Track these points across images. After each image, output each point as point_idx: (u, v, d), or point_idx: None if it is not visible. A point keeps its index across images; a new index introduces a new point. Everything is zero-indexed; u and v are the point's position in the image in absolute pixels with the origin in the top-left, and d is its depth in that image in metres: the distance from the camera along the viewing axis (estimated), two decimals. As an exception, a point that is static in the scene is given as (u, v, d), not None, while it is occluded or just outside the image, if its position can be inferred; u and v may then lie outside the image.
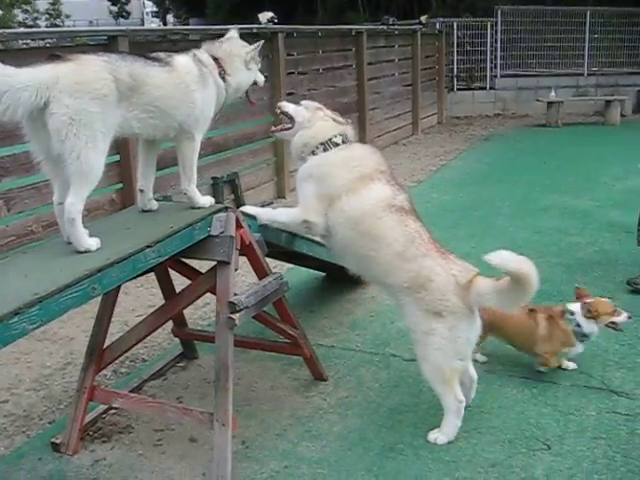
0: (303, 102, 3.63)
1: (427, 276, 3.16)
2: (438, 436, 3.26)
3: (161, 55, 3.18)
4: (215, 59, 3.31)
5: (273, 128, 3.70)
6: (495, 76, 16.23)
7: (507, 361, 3.99)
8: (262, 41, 3.58)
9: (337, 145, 3.42)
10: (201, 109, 3.23)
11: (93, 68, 2.83)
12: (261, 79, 3.57)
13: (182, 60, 3.19)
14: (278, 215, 3.52)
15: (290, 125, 3.54)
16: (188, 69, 3.18)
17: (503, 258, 3.01)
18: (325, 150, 3.41)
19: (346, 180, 3.29)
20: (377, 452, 3.22)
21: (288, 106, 3.60)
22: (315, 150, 3.42)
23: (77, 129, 2.72)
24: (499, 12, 15.98)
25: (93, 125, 2.77)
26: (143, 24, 44.00)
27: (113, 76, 2.86)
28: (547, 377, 3.80)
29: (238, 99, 3.59)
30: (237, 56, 3.40)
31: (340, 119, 3.53)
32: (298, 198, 3.47)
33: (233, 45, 3.44)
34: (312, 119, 3.50)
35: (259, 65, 3.54)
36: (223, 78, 3.32)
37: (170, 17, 42.04)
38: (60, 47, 5.90)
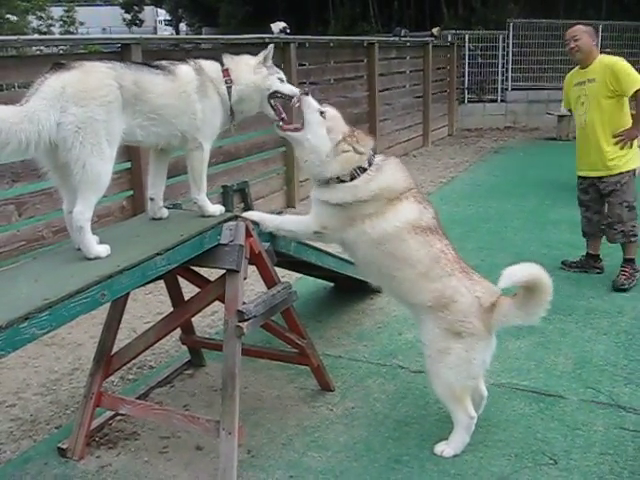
0: (329, 115, 3.27)
1: (451, 296, 3.13)
2: (445, 449, 3.25)
3: (164, 64, 3.19)
4: (225, 70, 3.30)
5: (282, 126, 3.33)
6: (506, 89, 16.24)
7: (515, 374, 3.98)
8: (272, 45, 3.50)
9: (364, 170, 3.19)
10: (202, 119, 3.22)
11: (98, 75, 2.85)
12: (285, 88, 3.39)
13: (184, 69, 3.20)
14: (286, 223, 3.46)
15: (300, 127, 3.27)
16: (189, 79, 3.18)
17: (507, 276, 3.01)
18: (353, 178, 3.18)
19: (374, 209, 3.18)
20: (383, 463, 3.21)
21: (310, 105, 3.28)
22: (341, 177, 3.19)
23: (83, 137, 2.73)
24: (511, 25, 16.01)
25: (98, 133, 2.78)
26: (156, 32, 44.23)
27: (118, 83, 2.88)
28: (554, 391, 3.78)
29: (259, 113, 3.47)
30: (245, 64, 3.37)
31: (361, 143, 3.21)
32: (312, 207, 3.37)
33: (247, 57, 3.42)
34: (336, 152, 3.18)
35: (278, 75, 3.41)
36: (229, 88, 3.29)
37: (183, 26, 42.27)
38: (73, 54, 5.94)
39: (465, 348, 3.13)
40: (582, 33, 5.33)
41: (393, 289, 3.37)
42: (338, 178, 3.20)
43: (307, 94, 3.31)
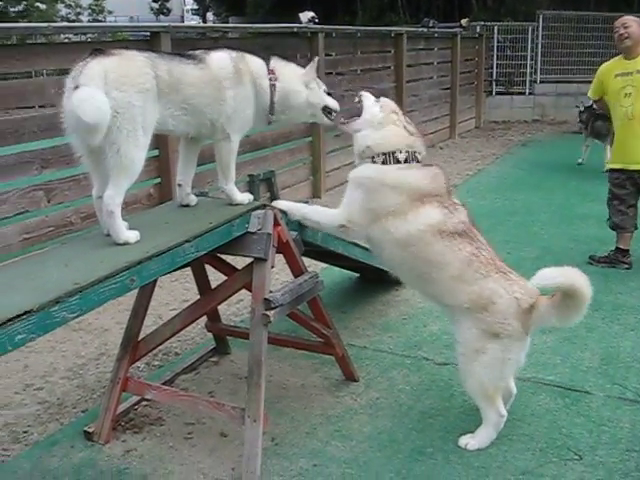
0: (382, 99, 3.42)
1: (489, 298, 3.09)
2: (470, 442, 3.24)
3: (196, 53, 3.19)
4: (271, 69, 3.31)
5: (342, 120, 3.46)
6: (535, 81, 16.07)
7: (540, 368, 3.95)
8: (317, 58, 3.60)
9: (398, 162, 3.25)
10: (233, 107, 3.21)
11: (137, 63, 2.88)
12: (333, 104, 3.48)
13: (218, 55, 3.19)
14: (313, 213, 3.45)
15: (357, 117, 3.37)
16: (222, 65, 3.17)
17: (545, 277, 2.98)
18: (384, 162, 3.25)
19: (394, 202, 3.16)
20: (407, 455, 3.21)
21: (368, 98, 3.41)
22: (375, 157, 3.28)
23: (120, 122, 2.75)
24: (540, 17, 15.82)
25: (135, 119, 2.80)
26: (183, 21, 44.33)
27: (154, 72, 2.90)
28: (580, 387, 3.76)
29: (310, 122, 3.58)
30: (292, 70, 3.41)
31: (412, 128, 3.35)
32: (343, 199, 3.38)
33: (294, 65, 3.46)
34: (383, 121, 3.31)
35: (323, 88, 3.48)
36: (273, 86, 3.29)
37: (210, 15, 42.32)
38: (101, 42, 5.97)
39: (501, 349, 3.10)
40: (632, 22, 5.29)
41: (426, 290, 3.35)
42: (372, 159, 3.25)
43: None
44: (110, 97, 2.71)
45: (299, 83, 3.38)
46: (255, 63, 3.29)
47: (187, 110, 3.06)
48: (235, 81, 3.19)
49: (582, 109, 10.30)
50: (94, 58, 2.78)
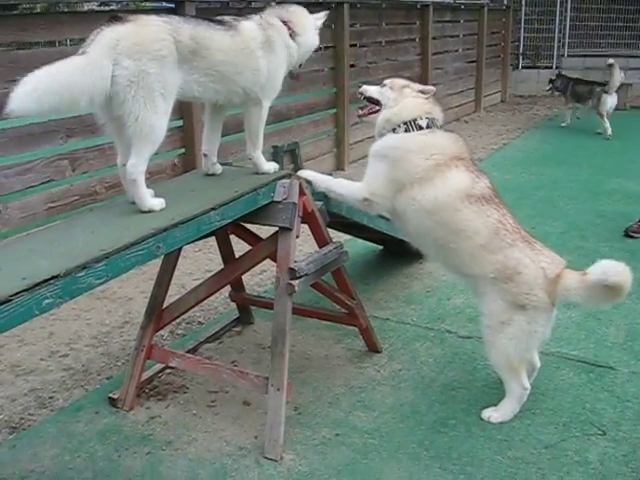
0: (387, 81, 3.43)
1: (515, 268, 3.05)
2: (493, 414, 3.22)
3: (226, 19, 3.13)
4: (284, 22, 3.27)
5: (360, 112, 3.50)
6: (562, 55, 15.84)
7: (564, 343, 3.93)
8: (328, 11, 3.57)
9: (420, 128, 3.22)
10: (267, 76, 3.19)
11: (152, 29, 2.81)
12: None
13: (248, 25, 3.15)
14: (337, 185, 3.41)
15: (378, 108, 3.37)
16: (254, 35, 3.13)
17: (605, 272, 2.93)
18: (406, 131, 3.23)
19: (421, 168, 3.12)
20: (429, 426, 3.21)
21: (371, 90, 3.44)
22: (397, 128, 3.26)
23: (135, 91, 2.71)
24: (569, -11, 15.57)
25: (152, 86, 2.75)
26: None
27: (173, 37, 2.83)
28: (604, 362, 3.73)
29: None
30: (306, 17, 3.38)
31: (428, 92, 3.36)
32: (366, 172, 3.36)
33: (301, 9, 3.41)
34: (398, 98, 3.31)
35: None
36: (293, 39, 3.28)
37: (234, -15, 42.06)
38: (125, 11, 5.93)
39: (527, 320, 3.07)
40: None
41: (450, 261, 3.28)
42: (394, 130, 3.24)
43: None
44: (122, 66, 2.67)
45: (315, 33, 3.41)
46: (277, 23, 3.25)
47: (214, 77, 3.02)
48: (268, 50, 3.17)
49: (553, 77, 11.25)
50: (109, 26, 2.73)
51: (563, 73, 11.67)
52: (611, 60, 10.09)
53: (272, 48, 3.19)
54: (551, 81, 11.45)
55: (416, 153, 3.16)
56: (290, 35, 3.26)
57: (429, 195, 3.11)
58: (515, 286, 3.05)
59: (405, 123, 3.23)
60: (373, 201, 3.26)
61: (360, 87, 3.49)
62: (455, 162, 3.15)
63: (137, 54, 2.71)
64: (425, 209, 3.13)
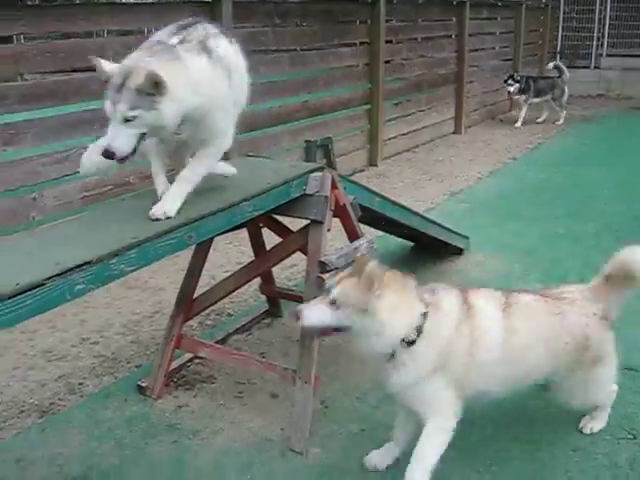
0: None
1: (584, 335, 2.86)
2: (593, 425, 3.13)
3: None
4: None
5: None
6: (601, 55, 15.63)
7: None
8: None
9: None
10: None
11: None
12: None
13: None
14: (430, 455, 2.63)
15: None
16: None
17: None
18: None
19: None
20: (456, 425, 3.17)
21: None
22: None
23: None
24: (610, -12, 15.34)
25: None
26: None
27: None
28: (637, 366, 3.66)
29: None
30: None
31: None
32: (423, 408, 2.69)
33: None
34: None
35: None
36: None
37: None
38: (164, 4, 5.95)
39: (606, 367, 2.98)
40: None
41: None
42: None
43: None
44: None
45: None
46: None
47: None
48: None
49: (518, 78, 11.48)
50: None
51: (519, 73, 11.91)
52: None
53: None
54: (511, 82, 11.45)
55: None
56: None
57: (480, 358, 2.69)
58: (588, 352, 2.89)
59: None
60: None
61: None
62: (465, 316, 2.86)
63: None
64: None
